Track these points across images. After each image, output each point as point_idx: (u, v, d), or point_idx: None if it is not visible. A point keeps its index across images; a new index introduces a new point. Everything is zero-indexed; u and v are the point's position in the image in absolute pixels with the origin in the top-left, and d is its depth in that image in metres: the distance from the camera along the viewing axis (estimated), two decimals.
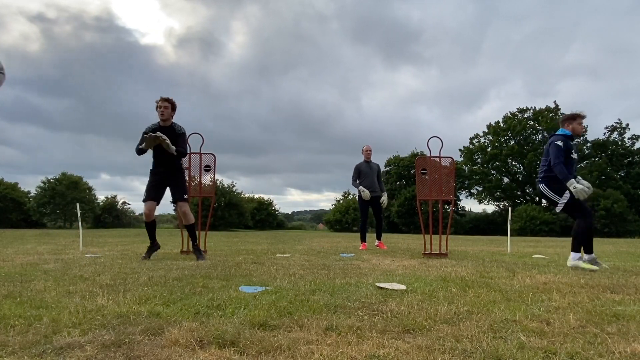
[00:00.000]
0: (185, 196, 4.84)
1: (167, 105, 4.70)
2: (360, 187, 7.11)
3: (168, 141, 4.55)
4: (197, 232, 5.08)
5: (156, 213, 4.95)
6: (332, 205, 41.35)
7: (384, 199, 7.22)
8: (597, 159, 37.10)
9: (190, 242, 5.01)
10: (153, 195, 4.77)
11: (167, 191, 4.95)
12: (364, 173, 7.23)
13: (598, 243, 12.68)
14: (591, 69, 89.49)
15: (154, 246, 4.93)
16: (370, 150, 7.38)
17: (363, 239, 7.31)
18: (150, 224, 4.88)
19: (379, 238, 7.50)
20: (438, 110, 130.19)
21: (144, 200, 4.79)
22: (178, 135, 4.75)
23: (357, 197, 7.39)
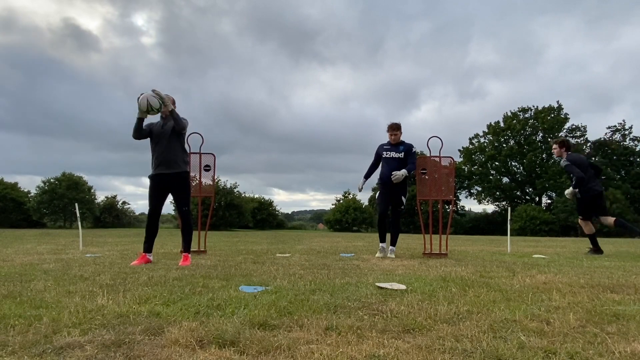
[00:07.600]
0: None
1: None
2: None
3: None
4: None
5: None
6: (332, 204, 41.39)
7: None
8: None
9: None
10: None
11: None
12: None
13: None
14: (498, 67, 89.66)
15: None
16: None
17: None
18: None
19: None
20: (382, 109, 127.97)
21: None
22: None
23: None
